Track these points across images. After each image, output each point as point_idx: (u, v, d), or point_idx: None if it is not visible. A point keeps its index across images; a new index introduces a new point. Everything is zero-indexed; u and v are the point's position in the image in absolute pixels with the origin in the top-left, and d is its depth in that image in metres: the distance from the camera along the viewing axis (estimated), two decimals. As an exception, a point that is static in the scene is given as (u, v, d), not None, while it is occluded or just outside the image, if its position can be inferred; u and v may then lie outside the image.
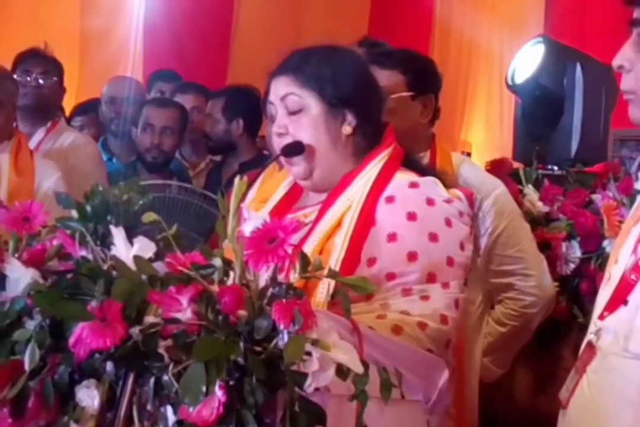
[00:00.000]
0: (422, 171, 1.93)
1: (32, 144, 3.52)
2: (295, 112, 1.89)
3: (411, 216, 1.78)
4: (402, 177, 1.88)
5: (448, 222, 1.80)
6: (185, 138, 4.42)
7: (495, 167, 2.94)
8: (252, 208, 2.02)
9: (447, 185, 1.87)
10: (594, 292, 2.54)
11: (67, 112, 4.39)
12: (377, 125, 1.96)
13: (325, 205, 1.86)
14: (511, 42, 6.98)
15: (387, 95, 2.35)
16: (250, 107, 3.77)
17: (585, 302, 2.73)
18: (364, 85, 1.96)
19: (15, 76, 3.54)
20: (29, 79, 3.63)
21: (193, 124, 4.34)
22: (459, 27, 7.48)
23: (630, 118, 1.61)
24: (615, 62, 1.58)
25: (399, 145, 1.96)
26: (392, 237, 1.77)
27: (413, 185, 1.84)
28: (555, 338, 2.76)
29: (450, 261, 1.78)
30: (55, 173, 3.16)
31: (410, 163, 1.96)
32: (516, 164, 3.17)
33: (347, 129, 1.90)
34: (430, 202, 1.81)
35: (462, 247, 1.81)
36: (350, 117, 1.90)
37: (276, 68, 1.95)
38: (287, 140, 1.90)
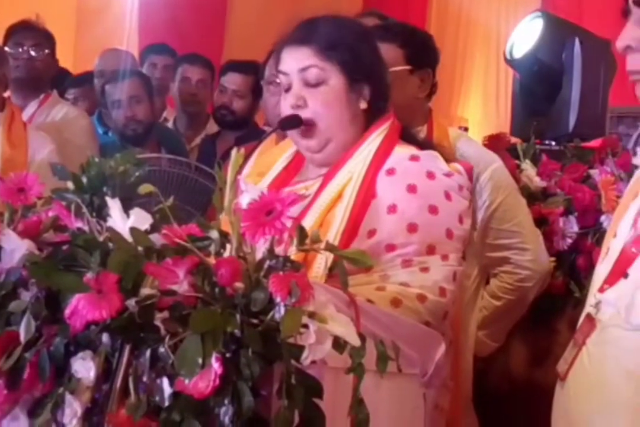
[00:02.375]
0: (422, 145, 1.92)
1: (25, 116, 3.49)
2: (315, 85, 1.86)
3: (411, 189, 1.78)
4: (403, 151, 1.87)
5: (448, 196, 1.80)
6: (180, 109, 4.42)
7: (493, 142, 2.92)
8: (250, 181, 2.01)
9: (446, 159, 1.87)
10: (590, 267, 2.55)
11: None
12: (387, 100, 1.95)
13: (327, 178, 1.86)
14: (508, 17, 6.97)
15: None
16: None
17: (582, 277, 2.72)
18: (378, 58, 1.94)
19: (7, 49, 3.52)
20: (20, 51, 3.60)
21: (196, 97, 4.31)
22: (457, 2, 7.45)
23: (638, 98, 1.59)
24: (621, 43, 1.57)
25: (397, 119, 1.95)
26: (392, 209, 1.76)
27: (413, 158, 1.83)
28: (551, 313, 2.77)
29: (449, 234, 1.78)
30: (48, 145, 3.14)
31: (408, 137, 1.95)
32: (514, 139, 3.16)
33: (363, 104, 1.89)
34: (430, 175, 1.80)
35: (460, 220, 1.81)
36: (366, 92, 1.89)
37: (288, 37, 1.90)
38: (306, 112, 1.87)
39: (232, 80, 3.99)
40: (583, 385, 1.63)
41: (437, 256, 1.75)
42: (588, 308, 1.66)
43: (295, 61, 1.87)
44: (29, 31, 3.67)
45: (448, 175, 1.82)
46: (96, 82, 4.24)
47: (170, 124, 4.52)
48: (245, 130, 3.98)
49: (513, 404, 2.69)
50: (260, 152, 2.47)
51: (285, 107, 1.90)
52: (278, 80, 2.50)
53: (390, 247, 1.74)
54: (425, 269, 1.73)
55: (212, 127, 4.34)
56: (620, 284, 1.59)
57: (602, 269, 1.67)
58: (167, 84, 4.65)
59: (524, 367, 2.79)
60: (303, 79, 1.86)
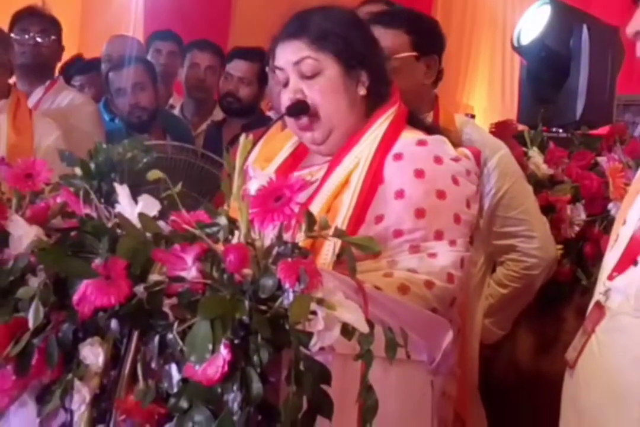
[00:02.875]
0: (429, 129, 1.91)
1: (31, 103, 3.49)
2: (311, 76, 1.85)
3: (419, 173, 1.77)
4: (410, 135, 1.86)
5: (455, 180, 1.79)
6: (189, 95, 4.41)
7: (500, 130, 2.91)
8: (256, 167, 2.01)
9: (454, 144, 1.86)
10: (598, 255, 2.55)
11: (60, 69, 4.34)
12: (387, 85, 1.94)
13: (333, 164, 1.85)
14: (514, 3, 6.93)
15: (391, 55, 2.34)
16: None
17: (590, 265, 2.72)
18: (373, 43, 1.94)
19: (12, 35, 3.51)
20: (26, 37, 3.59)
21: (205, 83, 4.30)
22: (463, -12, 7.43)
23: None
24: (631, 29, 1.56)
25: (403, 104, 1.94)
26: (399, 194, 1.76)
27: (421, 143, 1.83)
28: (558, 301, 2.76)
29: (457, 219, 1.77)
30: (54, 132, 3.14)
31: (415, 122, 1.94)
32: (521, 127, 3.15)
33: (362, 90, 1.88)
34: (437, 159, 1.80)
35: (468, 205, 1.81)
36: (364, 78, 1.88)
37: (281, 32, 1.91)
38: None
39: (238, 67, 3.98)
40: (592, 373, 1.63)
41: (445, 241, 1.75)
42: (597, 296, 1.66)
43: (289, 55, 1.87)
44: (35, 17, 3.67)
45: (456, 159, 1.82)
46: (103, 68, 4.24)
47: (177, 110, 4.51)
48: (252, 117, 3.97)
49: (519, 391, 2.69)
50: (266, 139, 2.46)
51: (285, 102, 1.89)
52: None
53: (398, 233, 1.73)
54: (433, 255, 1.73)
55: (218, 113, 4.32)
56: (629, 272, 1.59)
57: (611, 257, 1.66)
58: (172, 71, 4.64)
59: (531, 355, 2.79)
60: (299, 71, 1.86)
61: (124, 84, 3.74)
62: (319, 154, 1.94)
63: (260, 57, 3.74)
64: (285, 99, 1.89)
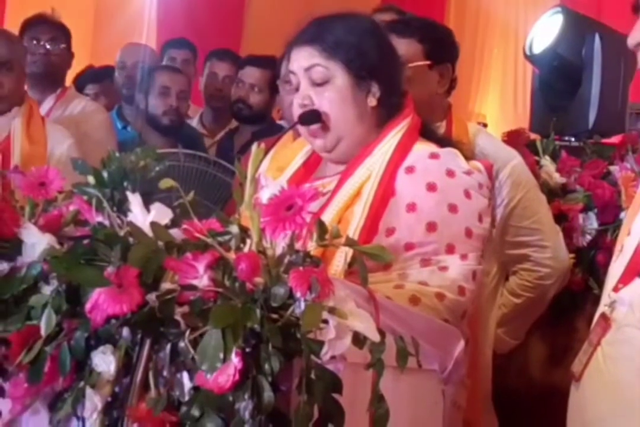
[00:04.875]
0: (441, 142, 1.91)
1: (42, 111, 3.49)
2: (321, 84, 1.86)
3: (431, 187, 1.77)
4: (422, 148, 1.86)
5: (467, 194, 1.78)
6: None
7: (512, 138, 2.91)
8: (269, 176, 2.01)
9: (466, 157, 1.86)
10: (610, 264, 2.54)
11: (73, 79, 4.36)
12: (400, 96, 1.94)
13: (345, 175, 1.85)
14: (527, 12, 6.94)
15: (405, 63, 2.34)
16: None
17: (601, 274, 2.69)
18: (388, 54, 1.93)
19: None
20: (37, 45, 3.60)
21: (222, 92, 4.32)
22: (476, -3, 7.43)
23: None
24: (633, 40, 1.56)
25: (417, 115, 1.94)
26: (411, 207, 1.76)
27: (433, 156, 1.82)
28: (571, 310, 2.76)
29: (468, 233, 1.77)
30: (67, 140, 3.15)
31: (428, 133, 1.94)
32: (533, 135, 3.15)
33: (372, 101, 1.88)
34: (450, 173, 1.79)
35: (480, 219, 1.80)
36: (375, 89, 1.87)
37: (296, 37, 1.91)
38: None
39: (250, 74, 4.00)
40: (599, 385, 1.62)
41: (456, 255, 1.74)
42: (602, 307, 1.65)
43: (301, 60, 1.88)
44: (45, 25, 3.68)
45: (468, 173, 1.81)
46: (117, 75, 4.26)
47: (196, 118, 4.53)
48: (263, 125, 3.97)
49: (532, 401, 2.68)
50: (278, 148, 2.47)
51: (295, 107, 1.90)
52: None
53: (409, 246, 1.73)
54: (444, 268, 1.72)
55: (236, 122, 4.34)
56: (635, 283, 1.58)
57: (616, 268, 1.66)
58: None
59: (543, 365, 2.78)
60: (309, 78, 1.87)
61: (172, 85, 3.80)
62: (330, 162, 1.95)
63: (272, 65, 3.74)
64: (295, 104, 1.90)
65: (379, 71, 1.88)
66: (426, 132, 1.94)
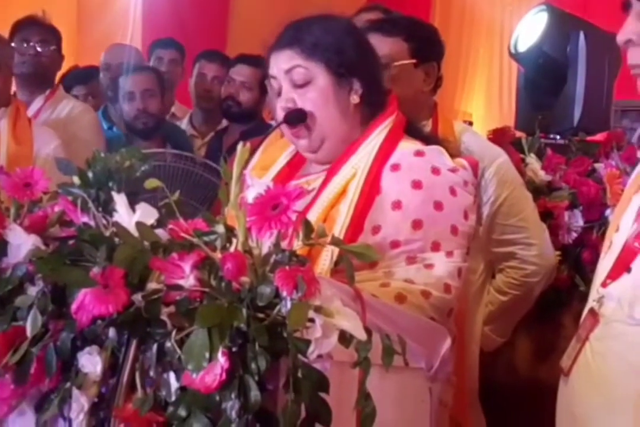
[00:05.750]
0: (426, 139, 1.91)
1: (31, 112, 3.50)
2: (302, 85, 1.86)
3: (416, 184, 1.77)
4: (407, 146, 1.86)
5: (453, 191, 1.79)
6: (197, 105, 4.43)
7: (498, 136, 2.92)
8: (253, 175, 2.01)
9: (451, 154, 1.86)
10: (596, 261, 2.53)
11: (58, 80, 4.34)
12: (382, 93, 1.95)
13: (330, 173, 1.85)
14: (512, 10, 6.95)
15: (390, 62, 2.34)
16: None
17: (587, 271, 2.73)
18: (366, 51, 1.94)
19: (13, 44, 3.52)
20: (27, 47, 3.60)
21: (211, 93, 4.31)
22: (461, -4, 7.45)
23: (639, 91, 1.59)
24: (622, 37, 1.57)
25: (401, 113, 1.95)
26: (396, 205, 1.76)
27: (418, 153, 1.83)
28: (557, 307, 2.77)
29: (454, 230, 1.77)
30: (53, 141, 3.14)
31: (413, 131, 1.94)
32: (518, 133, 3.16)
33: (354, 98, 1.88)
34: (435, 170, 1.79)
35: (466, 216, 1.81)
36: (356, 86, 1.88)
37: (275, 41, 1.91)
38: None
39: (241, 72, 4.00)
40: (587, 380, 1.62)
41: (442, 252, 1.75)
42: (591, 303, 1.66)
43: (281, 63, 1.88)
44: (35, 27, 3.68)
45: (453, 170, 1.81)
46: (102, 76, 4.25)
47: (185, 119, 4.52)
48: (252, 123, 3.97)
49: (519, 398, 2.69)
50: (265, 147, 2.47)
51: (278, 111, 1.91)
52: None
53: (395, 244, 1.73)
54: (429, 266, 1.73)
55: (225, 123, 4.34)
56: (623, 279, 1.59)
57: (604, 264, 1.66)
58: (174, 79, 4.65)
59: (530, 362, 2.79)
60: (290, 80, 1.87)
61: (133, 89, 3.76)
62: (315, 162, 1.95)
63: (262, 64, 3.74)
64: (278, 108, 1.90)
65: (359, 68, 1.88)
66: (411, 130, 1.94)
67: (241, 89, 3.97)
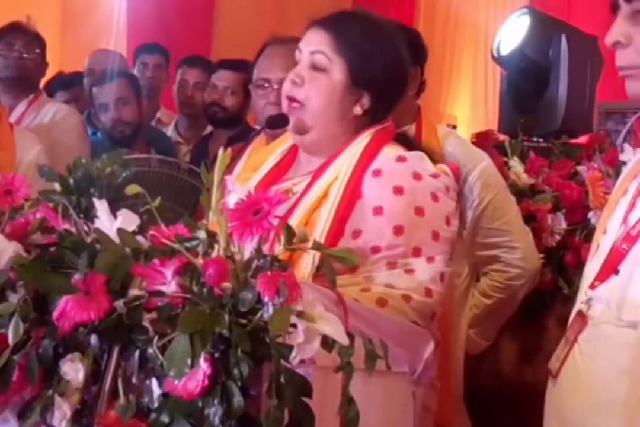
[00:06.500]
0: (411, 146, 1.91)
1: (15, 116, 3.50)
2: (318, 70, 1.86)
3: (398, 190, 1.77)
4: (390, 151, 1.86)
5: (434, 197, 1.79)
6: (184, 111, 4.43)
7: (481, 140, 2.93)
8: (242, 177, 2.01)
9: (434, 160, 1.86)
10: (579, 264, 2.56)
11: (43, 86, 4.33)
12: (388, 113, 1.95)
13: (314, 177, 1.86)
14: (497, 14, 6.98)
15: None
16: None
17: (571, 273, 2.74)
18: (394, 72, 1.92)
19: (-4, 49, 3.52)
20: (10, 51, 3.60)
21: (193, 100, 4.31)
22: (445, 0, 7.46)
23: (627, 94, 1.59)
24: (610, 39, 1.57)
25: (392, 122, 1.95)
26: (378, 210, 1.76)
27: (400, 159, 1.83)
28: (541, 310, 2.78)
29: (435, 235, 1.77)
30: (35, 146, 3.13)
31: (401, 138, 1.94)
32: (502, 136, 3.17)
33: (357, 110, 1.88)
34: (417, 176, 1.80)
35: (447, 222, 1.81)
36: (365, 100, 1.88)
37: (321, 18, 1.91)
38: (299, 92, 1.87)
39: (224, 78, 3.99)
40: (575, 382, 1.63)
41: (423, 258, 1.75)
42: (579, 305, 1.66)
43: (311, 42, 1.89)
44: (20, 32, 3.68)
45: (435, 176, 1.82)
46: (85, 82, 4.24)
47: (171, 126, 4.52)
48: (238, 128, 3.97)
49: (504, 401, 2.70)
50: (250, 153, 2.47)
51: (286, 82, 1.91)
52: (266, 84, 2.51)
53: (376, 249, 1.73)
54: (410, 271, 1.73)
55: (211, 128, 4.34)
56: (611, 281, 1.59)
57: (592, 266, 1.67)
58: (158, 84, 4.66)
59: (515, 365, 2.80)
60: (310, 60, 1.87)
61: (106, 99, 3.73)
62: (301, 149, 1.95)
63: (244, 69, 3.74)
64: (286, 80, 1.90)
65: (376, 86, 1.88)
66: (400, 138, 1.94)
67: (225, 94, 3.97)
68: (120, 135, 3.73)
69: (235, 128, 3.98)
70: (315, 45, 1.87)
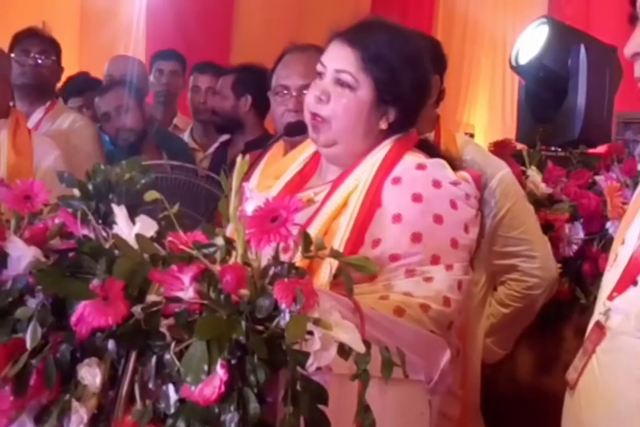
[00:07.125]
0: (433, 153, 1.91)
1: (31, 123, 3.50)
2: (344, 87, 1.84)
3: (417, 198, 1.76)
4: (411, 159, 1.86)
5: (453, 204, 1.78)
6: (196, 118, 4.45)
7: (499, 149, 2.92)
8: (263, 184, 2.01)
9: (455, 167, 1.86)
10: (596, 274, 2.55)
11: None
12: (413, 124, 1.94)
13: (334, 186, 1.85)
14: (515, 23, 6.96)
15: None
16: (259, 84, 3.64)
17: (588, 283, 2.73)
18: (420, 86, 1.91)
19: (13, 55, 3.53)
20: (27, 58, 3.61)
21: (207, 105, 4.32)
22: (463, 9, 7.45)
23: None
24: (630, 50, 1.56)
25: (415, 131, 1.94)
26: (397, 218, 1.75)
27: (420, 166, 1.82)
28: (558, 319, 2.76)
29: (454, 243, 1.77)
30: (54, 151, 3.15)
31: (423, 145, 1.93)
32: (519, 146, 3.16)
33: (383, 125, 1.88)
34: (436, 184, 1.79)
35: (466, 229, 1.80)
36: (391, 115, 1.87)
37: (344, 31, 1.88)
38: (325, 109, 1.85)
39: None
40: (593, 393, 1.62)
41: (442, 265, 1.74)
42: (597, 316, 1.65)
43: (336, 60, 1.86)
44: (36, 38, 3.69)
45: (455, 183, 1.81)
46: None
47: (187, 133, 4.53)
48: (237, 131, 3.97)
49: (521, 411, 2.68)
50: (268, 161, 2.47)
51: (309, 96, 1.89)
52: (285, 91, 2.51)
53: (395, 257, 1.73)
54: (429, 279, 1.72)
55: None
56: (629, 292, 1.59)
57: (610, 277, 1.66)
58: (174, 90, 4.67)
59: (531, 374, 2.79)
60: (336, 77, 1.85)
61: (107, 108, 3.75)
62: (326, 160, 1.94)
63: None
64: (311, 93, 1.88)
65: (404, 101, 1.87)
66: (423, 145, 1.94)
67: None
68: (125, 142, 3.73)
69: (235, 131, 3.97)
70: (340, 63, 1.85)
